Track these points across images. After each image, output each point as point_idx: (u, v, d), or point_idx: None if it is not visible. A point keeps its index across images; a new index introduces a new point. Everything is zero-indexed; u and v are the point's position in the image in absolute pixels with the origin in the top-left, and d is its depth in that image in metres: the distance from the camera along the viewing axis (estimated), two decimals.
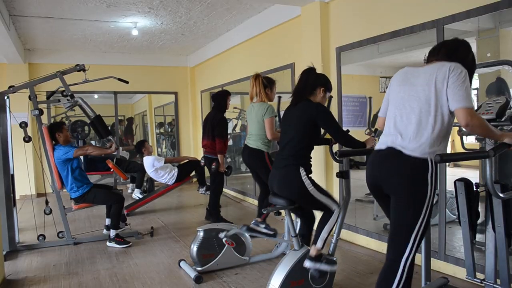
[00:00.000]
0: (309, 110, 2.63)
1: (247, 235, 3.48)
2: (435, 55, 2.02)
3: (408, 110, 1.95)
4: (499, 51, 3.04)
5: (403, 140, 1.92)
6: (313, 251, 2.61)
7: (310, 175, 2.66)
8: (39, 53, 7.47)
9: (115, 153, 5.38)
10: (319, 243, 2.61)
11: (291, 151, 2.66)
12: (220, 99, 4.85)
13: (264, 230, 3.42)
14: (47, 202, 4.30)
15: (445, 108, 1.86)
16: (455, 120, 1.92)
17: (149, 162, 5.84)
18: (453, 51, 1.97)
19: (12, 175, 4.25)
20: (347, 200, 2.74)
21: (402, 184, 1.91)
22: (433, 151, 1.86)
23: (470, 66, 1.95)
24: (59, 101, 4.36)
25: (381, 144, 2.03)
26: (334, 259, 2.71)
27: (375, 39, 3.68)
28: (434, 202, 1.93)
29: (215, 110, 4.87)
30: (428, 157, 1.86)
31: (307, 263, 2.59)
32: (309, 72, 2.76)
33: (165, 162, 5.85)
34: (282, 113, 3.24)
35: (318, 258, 2.60)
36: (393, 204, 1.97)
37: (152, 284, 3.21)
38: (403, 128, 1.94)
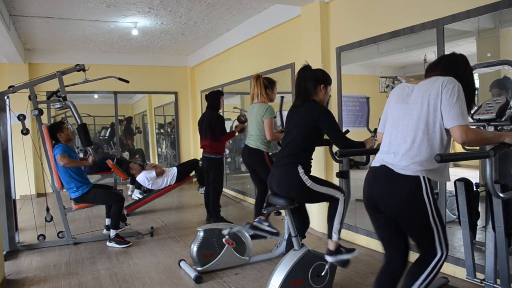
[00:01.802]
0: (312, 113, 2.62)
1: (247, 234, 3.49)
2: (432, 70, 2.00)
3: (402, 128, 1.94)
4: (499, 51, 3.04)
5: (395, 157, 1.91)
6: (331, 245, 2.65)
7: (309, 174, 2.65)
8: (39, 53, 7.48)
9: (119, 155, 5.34)
10: (335, 236, 2.64)
11: (291, 150, 2.65)
12: (212, 98, 4.89)
13: (268, 228, 3.43)
14: (48, 210, 4.30)
15: (439, 126, 1.84)
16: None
17: (142, 179, 5.78)
18: (450, 67, 1.95)
19: (12, 178, 4.25)
20: (347, 200, 2.74)
21: (400, 208, 1.91)
22: (426, 169, 1.84)
23: (467, 81, 1.92)
24: (58, 101, 4.37)
25: (375, 161, 2.03)
26: (354, 248, 2.74)
27: (375, 39, 3.68)
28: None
29: (210, 109, 4.89)
30: (421, 175, 1.84)
31: (329, 258, 2.63)
32: (305, 71, 2.72)
33: (157, 175, 5.79)
34: (284, 112, 3.24)
35: (338, 250, 2.64)
36: (401, 226, 2.00)
37: (152, 284, 3.21)
38: (396, 146, 1.94)
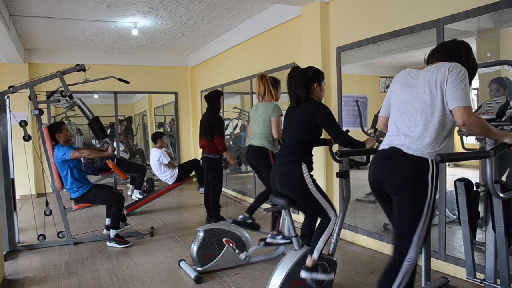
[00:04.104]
0: (310, 110, 2.64)
1: (247, 234, 3.49)
2: (435, 56, 2.03)
3: (411, 112, 1.96)
4: (499, 51, 3.04)
5: (405, 139, 1.94)
6: (309, 261, 2.61)
7: (311, 173, 2.65)
8: (39, 53, 7.48)
9: (115, 153, 5.36)
10: (315, 254, 2.60)
11: (294, 147, 2.66)
12: (212, 99, 4.87)
13: (282, 241, 3.43)
14: (47, 203, 4.30)
15: (447, 108, 1.87)
16: None
17: (156, 154, 5.78)
18: (454, 52, 1.98)
19: (12, 178, 4.25)
20: (347, 200, 2.74)
21: (403, 184, 1.91)
22: (435, 151, 1.87)
23: (471, 67, 1.95)
24: (59, 101, 4.36)
25: (384, 144, 2.05)
26: (334, 259, 2.71)
27: (375, 39, 3.68)
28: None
29: (210, 110, 4.89)
30: (429, 158, 1.87)
31: (303, 274, 2.59)
32: (294, 74, 2.72)
33: (169, 163, 5.83)
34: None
35: (314, 268, 2.60)
36: (395, 204, 1.99)
37: (152, 284, 3.21)
38: (406, 129, 1.96)
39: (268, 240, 3.44)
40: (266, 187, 3.94)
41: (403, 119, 1.99)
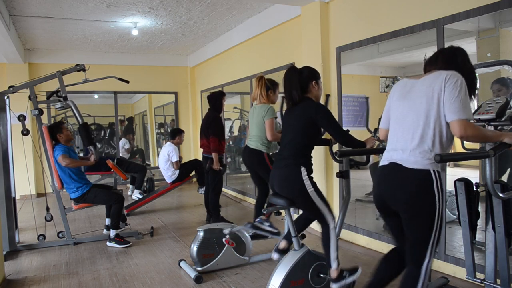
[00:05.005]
0: (308, 110, 2.61)
1: (247, 234, 3.49)
2: (433, 64, 2.01)
3: (407, 124, 1.94)
4: (499, 51, 3.04)
5: (403, 153, 1.91)
6: (333, 273, 2.61)
7: (311, 175, 2.64)
8: (39, 53, 7.48)
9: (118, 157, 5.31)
10: (334, 264, 2.61)
11: (292, 150, 2.64)
12: (214, 100, 4.87)
13: (268, 228, 3.45)
14: (48, 209, 4.30)
15: (443, 120, 1.84)
16: None
17: (168, 149, 5.76)
18: (451, 60, 1.96)
19: (14, 196, 4.25)
20: (347, 200, 2.75)
21: (410, 202, 1.89)
22: (434, 162, 1.84)
23: (468, 74, 1.92)
24: (58, 101, 4.37)
25: (384, 160, 2.03)
26: (357, 266, 2.73)
27: (375, 39, 3.68)
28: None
29: (211, 110, 4.89)
30: (430, 169, 1.84)
31: (334, 286, 2.60)
32: (289, 74, 2.72)
33: (175, 163, 5.83)
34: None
35: (341, 276, 2.61)
36: (405, 221, 1.97)
37: (152, 284, 3.21)
38: (403, 142, 1.94)
39: (256, 223, 3.46)
40: (258, 190, 3.94)
41: (401, 132, 1.97)
